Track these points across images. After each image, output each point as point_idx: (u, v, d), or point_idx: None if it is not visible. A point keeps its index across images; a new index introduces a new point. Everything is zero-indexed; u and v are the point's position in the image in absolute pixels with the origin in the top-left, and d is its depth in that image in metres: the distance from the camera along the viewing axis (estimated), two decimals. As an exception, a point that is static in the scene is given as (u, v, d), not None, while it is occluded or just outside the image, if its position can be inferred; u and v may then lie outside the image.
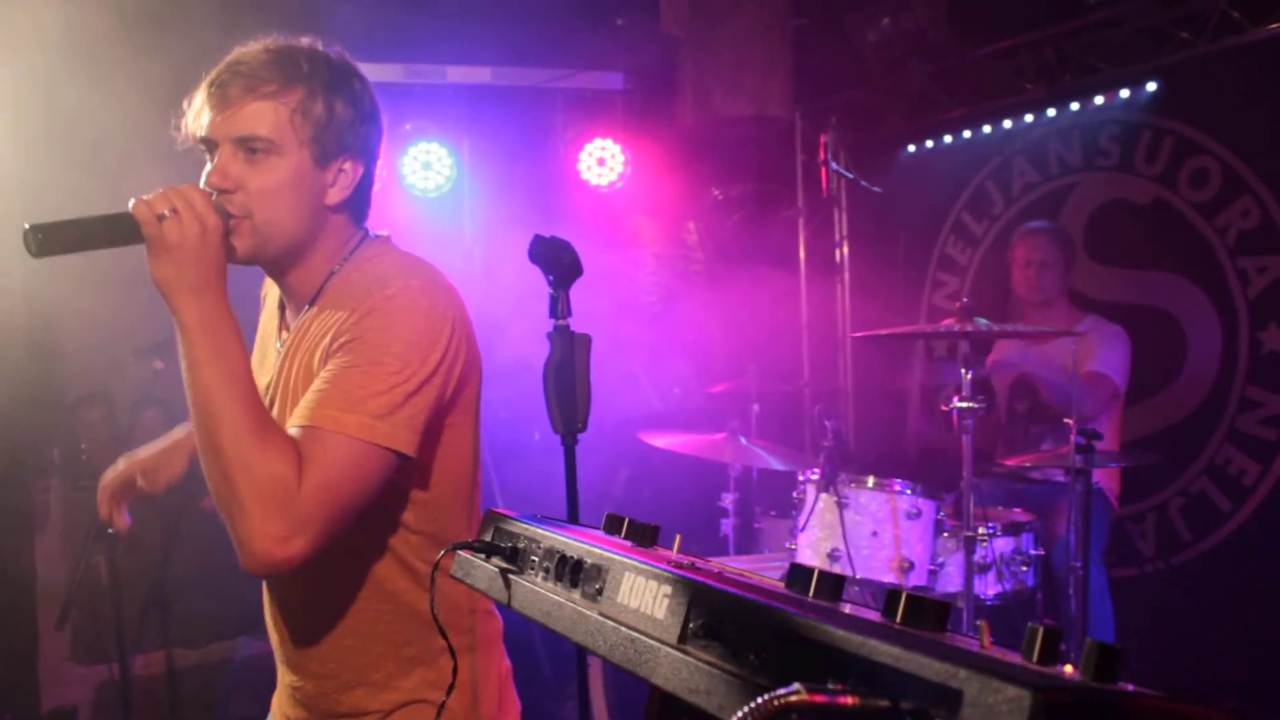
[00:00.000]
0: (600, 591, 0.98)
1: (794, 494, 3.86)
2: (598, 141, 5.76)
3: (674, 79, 5.49)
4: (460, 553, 1.23)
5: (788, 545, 3.87)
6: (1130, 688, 0.65)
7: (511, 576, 1.13)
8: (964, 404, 3.39)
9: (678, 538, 1.08)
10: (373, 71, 1.82)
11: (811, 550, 3.70)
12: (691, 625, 0.85)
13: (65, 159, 3.68)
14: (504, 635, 1.93)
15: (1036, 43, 4.93)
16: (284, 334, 1.84)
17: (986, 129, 5.34)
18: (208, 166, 1.69)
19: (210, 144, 1.69)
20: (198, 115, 1.70)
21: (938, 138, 5.60)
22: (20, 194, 3.74)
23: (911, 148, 5.72)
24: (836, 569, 3.53)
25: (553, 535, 1.10)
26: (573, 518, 2.04)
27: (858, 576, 3.58)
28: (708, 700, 0.80)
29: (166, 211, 1.54)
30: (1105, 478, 4.22)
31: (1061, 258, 4.45)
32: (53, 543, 4.34)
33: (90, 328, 4.20)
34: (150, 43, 3.58)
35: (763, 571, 1.07)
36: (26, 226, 1.51)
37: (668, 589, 0.89)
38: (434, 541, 1.76)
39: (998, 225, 5.36)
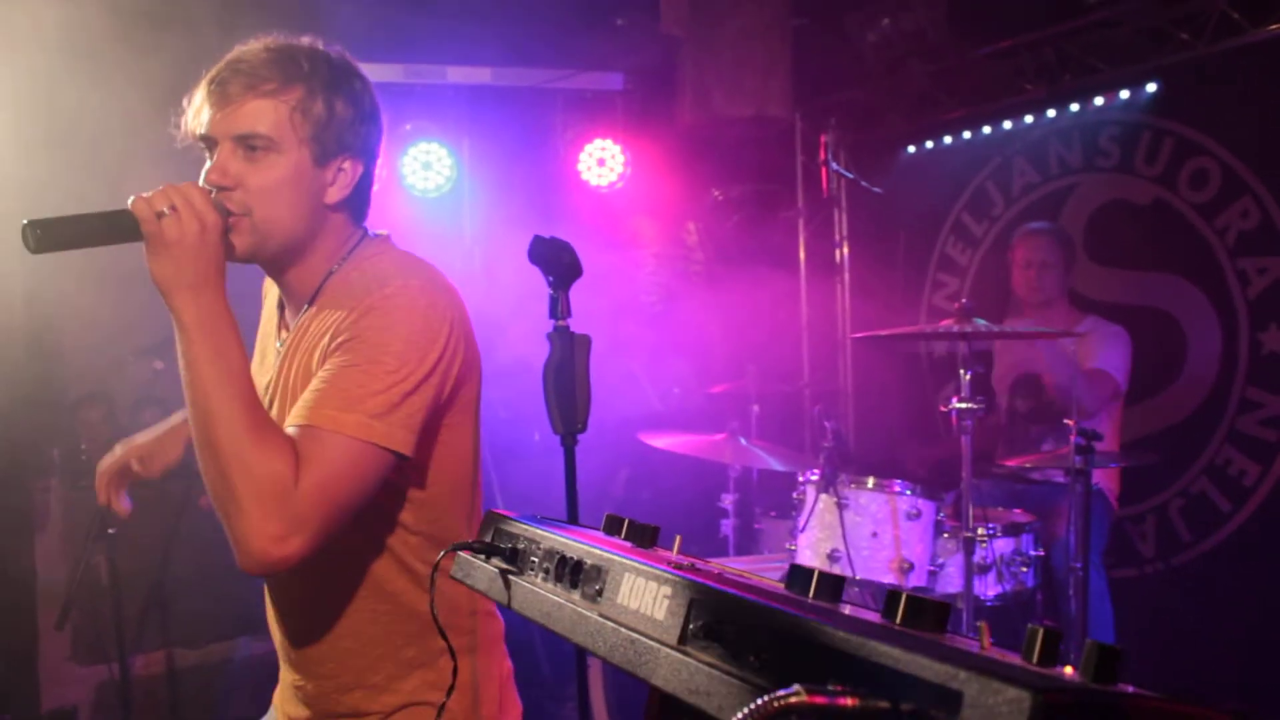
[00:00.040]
0: (600, 592, 0.97)
1: (794, 495, 3.86)
2: (598, 142, 5.76)
3: (674, 79, 5.48)
4: (460, 553, 1.23)
5: (787, 546, 3.87)
6: (1130, 689, 0.65)
7: (511, 577, 1.13)
8: (963, 404, 3.39)
9: (677, 539, 1.08)
10: (373, 71, 1.82)
11: (811, 551, 3.70)
12: (691, 626, 0.85)
13: (65, 159, 3.68)
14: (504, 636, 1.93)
15: (1036, 43, 4.93)
16: (283, 333, 1.84)
17: (986, 129, 5.34)
18: (207, 164, 1.69)
19: (210, 141, 1.69)
20: (197, 113, 1.70)
21: (938, 138, 5.59)
22: (20, 194, 3.74)
23: (911, 148, 5.72)
24: (836, 570, 3.52)
25: (553, 536, 1.10)
26: (572, 518, 2.03)
27: (858, 577, 3.58)
28: (708, 701, 0.79)
29: (165, 209, 1.54)
30: (1105, 478, 4.22)
31: (1061, 258, 4.45)
32: (53, 543, 4.34)
33: (90, 327, 4.20)
34: (150, 42, 3.58)
35: (763, 572, 1.07)
36: (25, 222, 1.51)
37: (668, 590, 0.89)
38: (433, 542, 1.75)
39: (998, 226, 5.35)
